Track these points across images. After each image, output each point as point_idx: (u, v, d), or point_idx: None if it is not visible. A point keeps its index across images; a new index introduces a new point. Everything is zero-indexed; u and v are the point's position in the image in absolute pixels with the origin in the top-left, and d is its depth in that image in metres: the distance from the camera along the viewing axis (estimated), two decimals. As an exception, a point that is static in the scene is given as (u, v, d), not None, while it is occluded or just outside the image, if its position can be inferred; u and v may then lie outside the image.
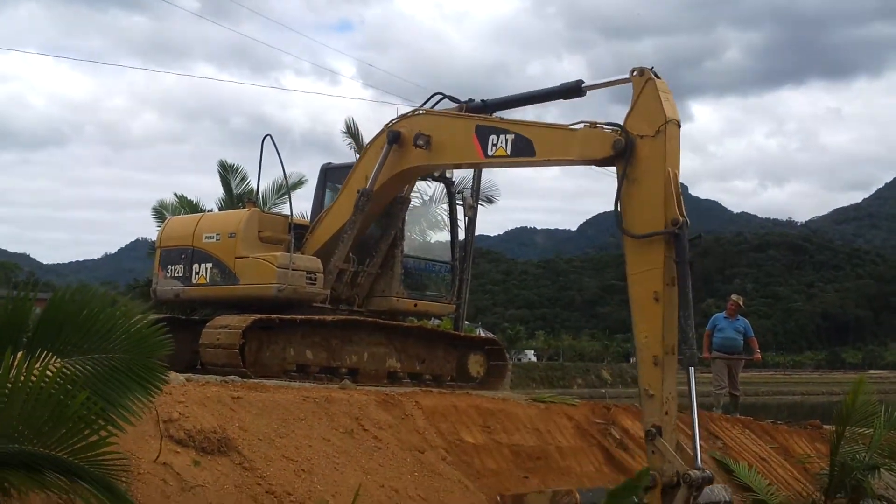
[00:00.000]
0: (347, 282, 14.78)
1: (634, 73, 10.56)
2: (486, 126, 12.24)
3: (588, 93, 12.24)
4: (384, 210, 14.81)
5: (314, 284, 13.91)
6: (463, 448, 11.24)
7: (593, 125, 10.94)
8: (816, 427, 17.20)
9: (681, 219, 10.03)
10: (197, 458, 8.24)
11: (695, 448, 9.93)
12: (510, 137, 11.88)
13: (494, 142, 12.03)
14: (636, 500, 9.89)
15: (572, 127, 11.22)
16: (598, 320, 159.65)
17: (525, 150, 11.77)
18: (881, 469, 14.00)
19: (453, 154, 13.15)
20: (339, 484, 9.11)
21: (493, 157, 12.15)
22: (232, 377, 11.46)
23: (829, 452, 14.08)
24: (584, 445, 12.62)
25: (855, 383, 14.24)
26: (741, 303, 18.50)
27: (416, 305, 15.48)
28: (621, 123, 10.47)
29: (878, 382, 52.91)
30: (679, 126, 10.37)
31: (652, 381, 10.09)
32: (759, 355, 18.76)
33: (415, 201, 16.11)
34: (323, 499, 8.22)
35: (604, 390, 73.59)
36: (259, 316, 13.21)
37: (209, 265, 14.33)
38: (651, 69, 10.53)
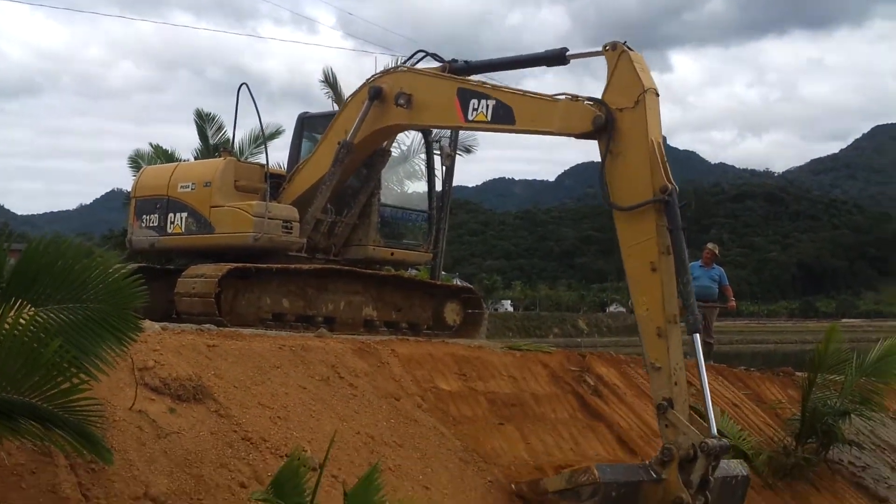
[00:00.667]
0: (324, 232, 14.76)
1: (607, 48, 10.52)
2: (468, 90, 12.19)
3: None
4: (364, 163, 14.77)
5: (290, 233, 13.89)
6: (438, 395, 11.30)
7: (574, 98, 10.89)
8: (789, 374, 17.41)
9: (669, 186, 10.02)
10: (172, 406, 8.26)
11: (709, 416, 9.78)
12: (491, 103, 11.82)
13: (475, 106, 11.96)
14: (655, 475, 9.79)
15: (554, 98, 11.17)
16: (575, 270, 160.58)
17: (505, 118, 11.71)
18: (852, 415, 14.19)
19: (434, 115, 13.11)
20: (315, 431, 9.16)
21: (473, 121, 12.14)
22: (207, 326, 11.46)
23: (800, 399, 14.25)
24: (558, 392, 12.71)
25: (827, 331, 14.40)
26: (717, 251, 18.59)
27: (392, 254, 15.50)
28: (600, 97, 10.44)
29: (851, 331, 53.42)
30: (657, 95, 10.36)
31: (658, 354, 9.99)
32: (733, 303, 18.89)
33: (392, 151, 16.07)
34: (299, 445, 8.26)
35: (580, 340, 74.19)
36: (235, 265, 13.19)
37: (184, 214, 14.27)
38: (624, 43, 10.51)
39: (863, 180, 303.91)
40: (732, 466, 10.64)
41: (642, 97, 10.14)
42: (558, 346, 16.41)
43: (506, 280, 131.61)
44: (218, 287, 12.83)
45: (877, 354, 14.33)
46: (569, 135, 10.99)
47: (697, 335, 10.00)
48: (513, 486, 10.04)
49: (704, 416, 9.79)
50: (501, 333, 62.86)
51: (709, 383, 14.93)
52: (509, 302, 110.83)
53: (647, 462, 10.05)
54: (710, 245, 18.81)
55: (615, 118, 10.31)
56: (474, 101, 11.98)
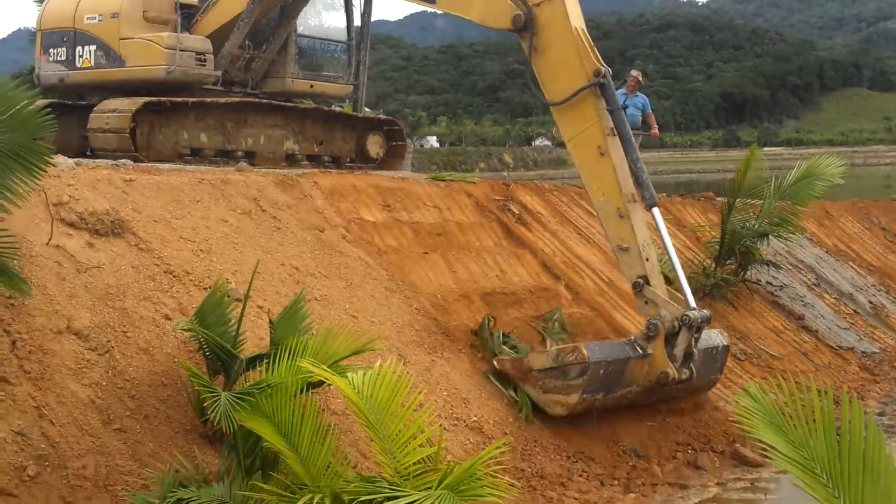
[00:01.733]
0: (241, 66, 14.40)
1: None
2: None
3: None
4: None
5: (204, 66, 13.52)
6: (363, 226, 11.28)
7: None
8: (709, 199, 17.69)
9: (602, 68, 9.84)
10: (91, 241, 8.11)
11: (684, 289, 9.85)
12: None
13: None
14: (641, 351, 9.80)
15: None
16: (500, 105, 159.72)
17: None
18: (769, 236, 14.53)
19: None
20: (239, 263, 9.11)
21: None
22: (123, 161, 11.21)
23: (720, 222, 14.51)
24: (483, 221, 12.77)
25: (747, 155, 14.57)
26: (641, 78, 18.53)
27: (311, 86, 15.21)
28: None
29: (773, 159, 54.16)
30: None
31: (623, 234, 9.96)
32: (656, 130, 18.91)
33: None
34: (223, 277, 8.20)
35: (506, 174, 74.36)
36: (149, 98, 12.83)
37: (93, 48, 13.78)
38: None
39: (785, 8, 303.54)
40: (713, 337, 10.77)
41: None
42: (485, 179, 16.41)
43: (431, 116, 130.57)
44: (133, 122, 12.52)
45: (795, 177, 14.57)
46: (490, 26, 10.81)
47: (656, 209, 10.01)
48: (495, 362, 9.95)
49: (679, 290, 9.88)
50: (427, 169, 62.74)
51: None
52: (435, 138, 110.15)
53: (631, 338, 10.11)
54: (633, 72, 18.71)
55: (534, 15, 10.05)
56: None
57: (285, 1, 14.33)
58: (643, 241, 9.88)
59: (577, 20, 10.02)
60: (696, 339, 9.79)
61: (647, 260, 9.87)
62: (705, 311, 9.94)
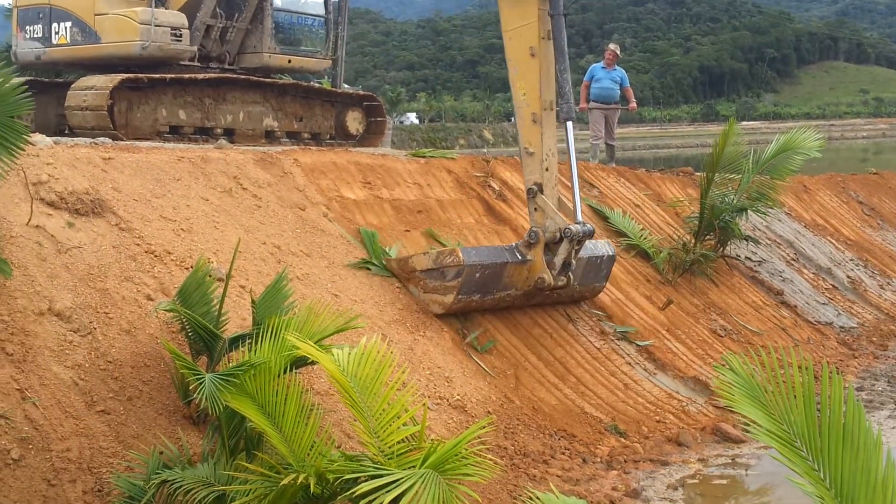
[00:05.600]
0: (216, 38, 14.30)
1: None
2: None
3: None
4: None
5: (180, 41, 13.43)
6: (344, 204, 11.26)
7: None
8: (688, 174, 17.72)
9: None
10: (71, 220, 8.07)
11: (575, 203, 10.30)
12: None
13: None
14: (520, 256, 10.33)
15: None
16: (479, 80, 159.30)
17: None
18: (748, 211, 14.56)
19: None
20: (221, 242, 9.08)
21: None
22: (102, 139, 11.14)
23: (699, 197, 14.55)
24: (463, 198, 12.77)
25: (725, 129, 14.58)
26: (618, 52, 18.55)
27: (289, 61, 15.15)
28: None
29: (751, 133, 54.43)
30: None
31: (531, 139, 10.35)
32: (634, 104, 19.01)
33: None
34: (204, 256, 8.17)
35: (485, 150, 74.30)
36: (126, 75, 12.75)
37: (69, 24, 13.66)
38: None
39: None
40: (600, 246, 11.48)
41: None
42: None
43: (410, 92, 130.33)
44: (110, 99, 12.44)
45: (772, 151, 14.59)
46: None
47: (570, 123, 10.33)
48: (384, 261, 10.45)
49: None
50: (407, 146, 62.62)
51: (611, 185, 15.25)
52: (414, 115, 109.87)
53: (513, 244, 10.67)
54: (611, 45, 18.76)
55: None
56: None
57: None
58: (548, 151, 10.39)
59: None
60: (577, 251, 10.41)
61: (547, 170, 10.37)
62: (590, 225, 10.46)
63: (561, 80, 10.19)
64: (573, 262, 10.41)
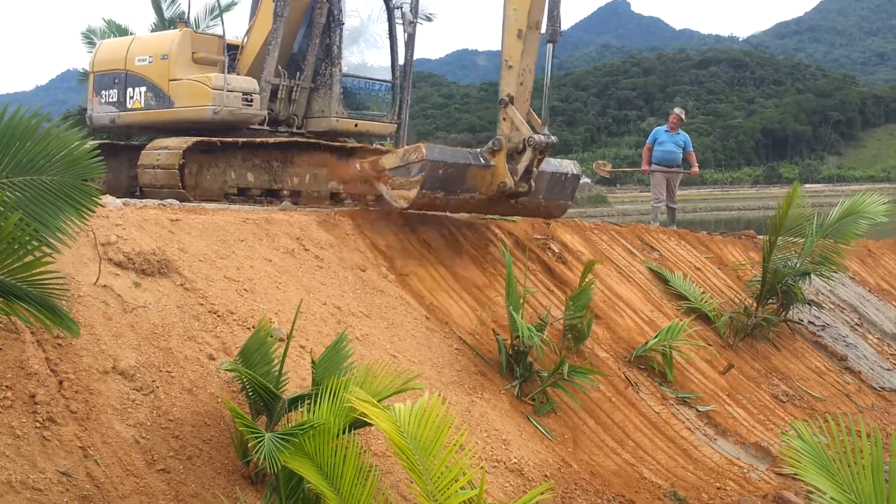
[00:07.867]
0: (283, 99, 14.60)
1: None
2: None
3: None
4: (305, 15, 14.70)
5: (251, 105, 13.72)
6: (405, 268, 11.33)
7: None
8: (750, 237, 17.60)
9: None
10: (137, 280, 8.24)
11: (544, 115, 11.22)
12: None
13: None
14: (483, 161, 11.21)
15: None
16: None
17: None
18: (811, 275, 14.42)
19: None
20: (282, 302, 9.20)
21: None
22: (170, 201, 11.37)
23: (761, 261, 14.43)
24: (523, 260, 12.79)
25: (788, 192, 14.50)
26: (683, 116, 18.56)
27: (356, 125, 15.36)
28: None
29: (814, 195, 53.66)
30: None
31: (513, 53, 11.09)
32: (696, 169, 19.00)
33: (352, 20, 15.77)
34: (266, 317, 8.28)
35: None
36: (200, 137, 13.05)
37: (143, 89, 14.04)
38: None
39: (827, 43, 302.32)
40: (565, 164, 12.38)
41: None
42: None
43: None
44: (182, 159, 12.70)
45: (837, 215, 14.48)
46: None
47: (552, 45, 11.11)
48: (357, 165, 11.60)
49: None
50: (468, 205, 63.03)
51: (672, 248, 15.18)
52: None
53: (478, 150, 11.40)
54: (676, 110, 18.77)
55: None
56: None
57: (306, 9, 14.75)
58: (525, 67, 11.10)
59: None
60: (539, 161, 11.27)
61: (521, 84, 11.11)
62: (554, 137, 11.20)
63: (552, 3, 10.89)
64: (535, 170, 11.22)
